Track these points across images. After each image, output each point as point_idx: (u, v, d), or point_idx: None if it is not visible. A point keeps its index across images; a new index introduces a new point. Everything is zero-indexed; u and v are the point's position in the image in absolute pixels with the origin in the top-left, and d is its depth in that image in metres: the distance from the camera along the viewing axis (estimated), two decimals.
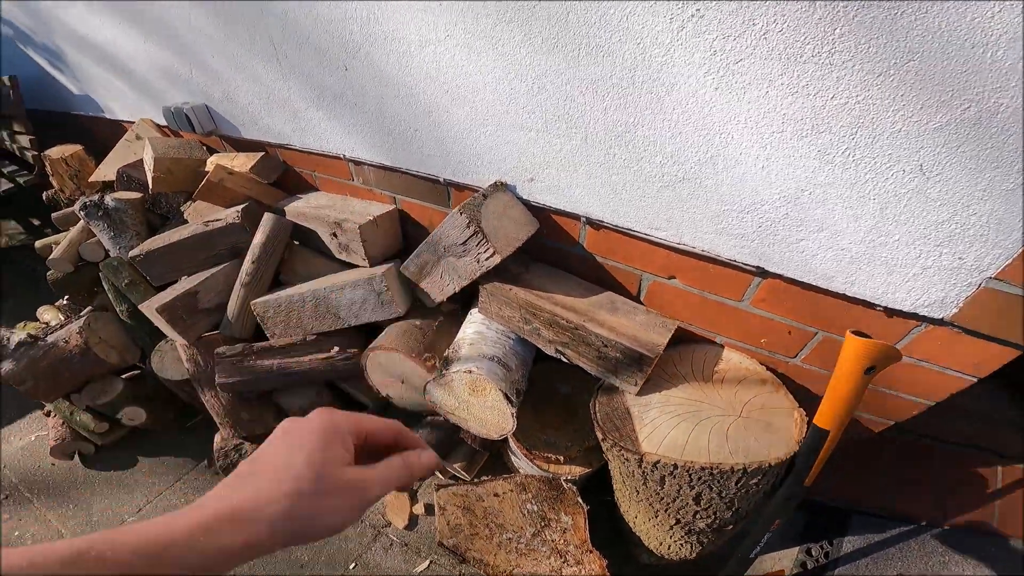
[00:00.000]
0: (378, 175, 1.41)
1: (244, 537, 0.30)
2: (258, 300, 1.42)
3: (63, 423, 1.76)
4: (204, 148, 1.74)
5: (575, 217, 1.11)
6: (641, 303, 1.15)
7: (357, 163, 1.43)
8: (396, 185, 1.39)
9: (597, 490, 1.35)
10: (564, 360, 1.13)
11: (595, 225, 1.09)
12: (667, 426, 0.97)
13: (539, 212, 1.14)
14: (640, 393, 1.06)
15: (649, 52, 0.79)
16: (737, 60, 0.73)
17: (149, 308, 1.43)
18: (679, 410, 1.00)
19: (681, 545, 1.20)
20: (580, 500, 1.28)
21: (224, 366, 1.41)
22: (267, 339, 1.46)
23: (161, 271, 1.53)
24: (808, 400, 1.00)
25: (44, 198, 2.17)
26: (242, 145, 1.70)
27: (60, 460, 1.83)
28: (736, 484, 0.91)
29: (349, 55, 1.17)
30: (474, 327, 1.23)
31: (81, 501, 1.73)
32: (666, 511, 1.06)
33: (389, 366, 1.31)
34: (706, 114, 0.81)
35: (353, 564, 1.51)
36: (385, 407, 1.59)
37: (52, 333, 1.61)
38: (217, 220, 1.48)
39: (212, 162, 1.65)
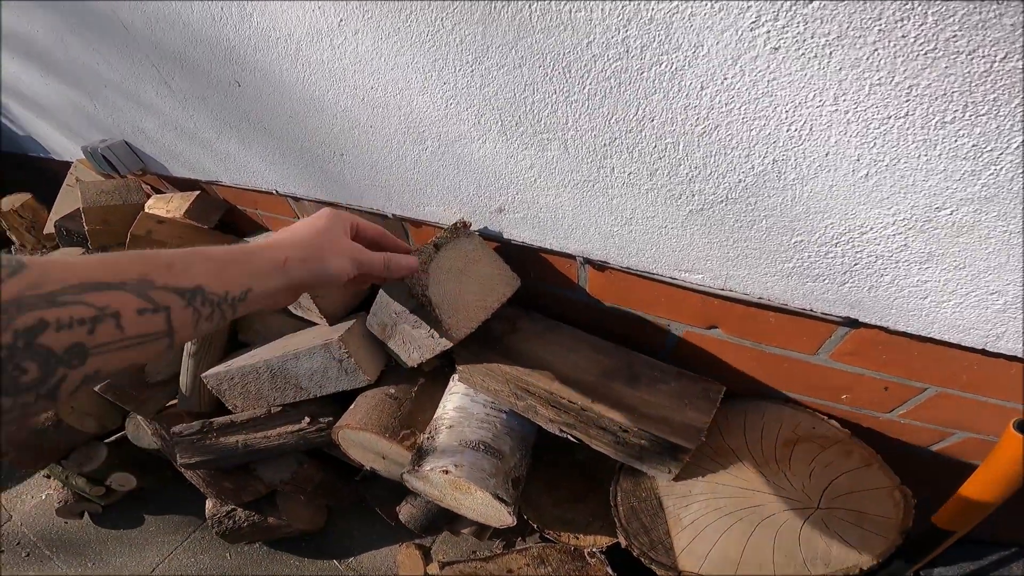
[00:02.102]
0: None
1: (276, 256, 0.42)
2: (209, 373, 1.15)
3: (63, 486, 1.62)
4: (143, 188, 1.43)
5: (569, 257, 0.76)
6: (670, 363, 0.80)
7: (295, 198, 1.10)
8: None
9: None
10: (573, 441, 0.81)
11: (598, 267, 0.74)
12: (714, 530, 0.66)
13: (517, 251, 0.80)
14: (678, 478, 0.74)
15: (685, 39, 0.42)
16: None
17: (99, 389, 1.18)
18: (731, 505, 0.68)
19: None
20: (610, 570, 1.00)
21: (184, 446, 1.17)
22: (228, 415, 1.20)
23: None
24: (900, 454, 0.67)
25: (12, 251, 1.93)
26: (178, 184, 1.39)
27: (70, 519, 1.74)
28: None
29: (236, 67, 0.82)
30: (455, 401, 0.92)
31: (97, 560, 1.66)
32: None
33: (364, 444, 1.03)
34: (761, 93, 0.44)
35: None
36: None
37: None
38: None
39: (149, 206, 1.34)
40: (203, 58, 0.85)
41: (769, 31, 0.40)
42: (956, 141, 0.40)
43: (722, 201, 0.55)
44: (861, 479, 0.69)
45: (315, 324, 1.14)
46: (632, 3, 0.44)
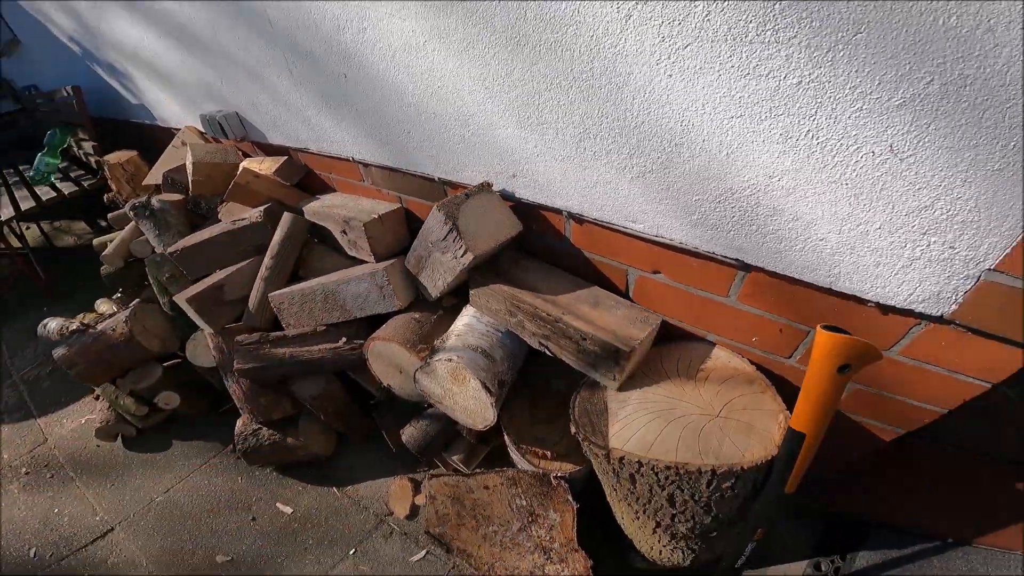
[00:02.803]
0: (383, 176, 1.49)
1: None
2: (275, 293, 1.55)
3: (109, 406, 1.98)
4: (239, 153, 1.92)
5: (558, 212, 1.12)
6: (629, 299, 1.14)
7: (364, 165, 1.52)
8: (400, 185, 1.47)
9: (594, 495, 1.35)
10: (548, 353, 1.14)
11: (577, 219, 1.11)
12: (639, 423, 0.96)
13: (526, 208, 1.17)
14: (621, 389, 1.06)
15: (602, 43, 0.80)
16: (685, 45, 0.72)
17: (181, 299, 1.60)
18: (655, 407, 0.99)
19: (672, 551, 1.18)
20: (570, 498, 1.27)
21: (242, 353, 1.55)
22: (283, 330, 1.59)
23: (196, 266, 1.71)
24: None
25: (105, 200, 2.47)
26: (269, 150, 1.86)
27: (104, 442, 2.04)
28: (708, 487, 0.89)
29: (346, 63, 1.26)
30: (465, 320, 1.27)
31: (118, 481, 1.94)
32: (644, 512, 1.05)
33: (388, 356, 1.39)
34: (664, 102, 0.81)
35: (353, 550, 1.60)
36: (391, 397, 1.67)
37: (102, 322, 1.84)
38: (242, 220, 1.63)
39: (242, 166, 1.81)
40: (323, 53, 1.30)
41: (666, 64, 0.77)
42: (771, 131, 0.75)
43: (650, 171, 0.91)
44: (756, 402, 0.98)
45: (365, 262, 1.52)
46: (603, 49, 0.82)
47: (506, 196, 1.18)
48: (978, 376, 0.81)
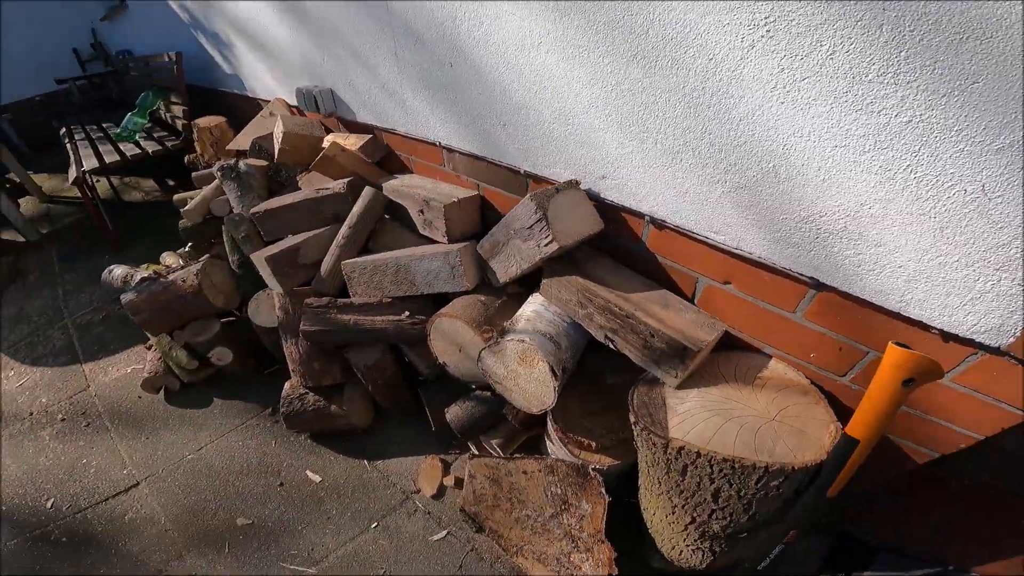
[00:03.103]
0: (466, 163, 1.61)
1: None
2: (348, 261, 1.67)
3: (160, 357, 2.08)
4: (323, 128, 2.07)
5: (640, 215, 1.22)
6: (694, 305, 1.23)
7: (449, 150, 1.64)
8: (481, 173, 1.59)
9: (625, 490, 1.42)
10: (612, 347, 1.23)
11: (658, 225, 1.20)
12: (698, 419, 1.04)
13: (607, 209, 1.27)
14: (680, 387, 1.14)
15: (720, 67, 0.91)
16: (803, 78, 0.82)
17: (259, 257, 1.73)
18: (713, 406, 1.07)
19: (693, 551, 1.24)
20: (603, 491, 1.35)
21: (309, 315, 1.67)
22: (349, 298, 1.70)
23: (274, 228, 1.84)
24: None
25: (185, 161, 2.65)
26: (354, 127, 2.00)
27: (147, 393, 2.08)
28: (756, 483, 0.96)
29: (454, 54, 1.39)
30: (533, 307, 1.37)
31: (153, 435, 1.96)
32: (683, 506, 1.13)
33: (450, 333, 1.49)
34: (770, 126, 0.90)
35: (375, 524, 1.65)
36: (439, 376, 1.77)
37: (173, 273, 1.98)
38: (326, 189, 1.76)
39: (328, 140, 1.96)
40: (433, 42, 1.43)
41: (780, 93, 0.87)
42: (871, 163, 0.84)
43: (742, 187, 1.00)
44: (809, 411, 1.06)
45: (437, 242, 1.64)
46: (719, 72, 0.92)
47: (591, 195, 1.28)
48: (1019, 406, 0.88)
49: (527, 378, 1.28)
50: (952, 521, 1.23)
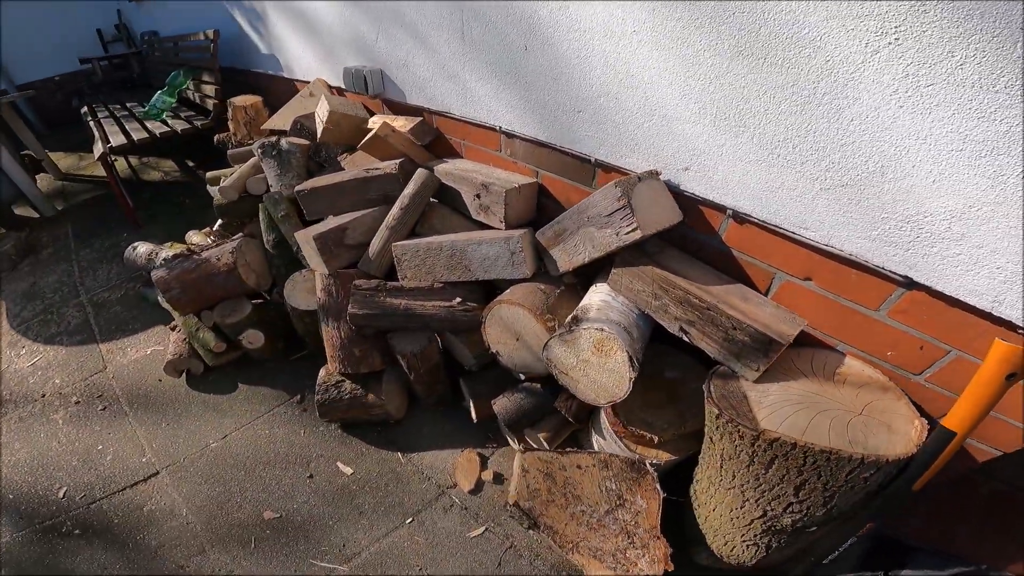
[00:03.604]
0: (526, 149, 1.62)
1: None
2: (399, 243, 1.66)
3: (184, 339, 2.03)
4: (365, 109, 2.05)
5: (721, 209, 1.25)
6: (770, 300, 1.26)
7: (509, 135, 1.65)
8: (542, 160, 1.60)
9: (671, 488, 1.43)
10: (685, 339, 1.25)
11: (740, 219, 1.23)
12: (786, 412, 1.07)
13: (685, 200, 1.30)
14: (758, 381, 1.17)
15: (837, 69, 0.93)
16: (928, 84, 0.85)
17: (305, 236, 1.70)
18: (799, 400, 1.09)
19: (748, 547, 1.27)
20: (658, 486, 1.37)
21: (358, 298, 1.65)
22: (398, 281, 1.69)
23: (318, 207, 1.82)
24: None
25: (215, 140, 2.61)
26: (400, 109, 1.99)
27: (169, 376, 2.01)
28: (846, 475, 0.99)
29: (531, 37, 1.39)
30: (600, 296, 1.38)
31: (174, 420, 1.89)
32: (757, 500, 1.15)
33: (510, 321, 1.49)
34: (885, 128, 0.93)
35: (410, 519, 1.63)
36: (484, 365, 1.77)
37: (207, 250, 1.94)
38: (376, 169, 1.75)
39: (374, 121, 1.94)
40: (506, 24, 1.43)
41: (901, 97, 0.90)
42: (986, 167, 0.88)
43: (843, 186, 1.03)
44: (892, 407, 1.09)
45: (491, 228, 1.64)
46: (835, 74, 0.95)
47: (670, 186, 1.31)
48: None
49: (599, 368, 1.29)
50: (986, 522, 1.29)
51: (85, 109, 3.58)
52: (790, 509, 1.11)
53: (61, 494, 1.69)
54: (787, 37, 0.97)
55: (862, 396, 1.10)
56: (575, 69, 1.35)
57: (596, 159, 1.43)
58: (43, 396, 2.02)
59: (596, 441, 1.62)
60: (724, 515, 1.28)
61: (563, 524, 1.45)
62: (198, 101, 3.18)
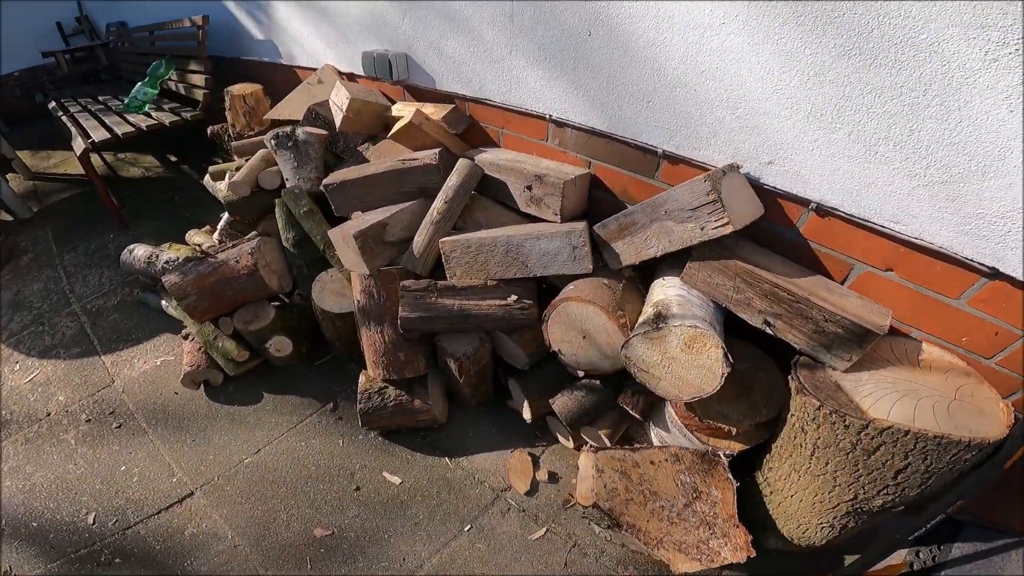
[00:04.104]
0: (580, 138, 1.57)
1: None
2: (447, 238, 1.58)
3: (200, 348, 1.87)
4: (384, 96, 1.92)
5: (803, 202, 1.26)
6: (850, 290, 1.30)
7: (559, 124, 1.59)
8: (598, 150, 1.56)
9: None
10: (768, 331, 1.28)
11: (823, 212, 1.25)
12: (888, 400, 1.11)
13: (764, 193, 1.30)
14: (847, 371, 1.21)
15: (952, 74, 0.95)
16: None
17: (343, 234, 1.59)
18: (895, 388, 1.14)
19: (822, 528, 1.33)
20: (730, 476, 1.42)
21: (408, 300, 1.57)
22: (446, 280, 1.62)
23: (347, 201, 1.70)
24: None
25: (208, 132, 2.39)
26: (426, 96, 1.88)
27: (186, 388, 1.87)
28: (950, 458, 1.05)
29: (597, 23, 1.34)
30: (675, 291, 1.38)
31: (199, 436, 1.77)
32: (850, 485, 1.20)
33: (578, 319, 1.46)
34: (992, 130, 0.96)
35: (468, 526, 1.59)
36: (536, 364, 1.73)
37: (223, 251, 1.77)
38: (413, 160, 1.65)
39: (398, 109, 1.82)
40: (568, 9, 1.37)
41: (1013, 102, 0.93)
42: None
43: (942, 183, 1.06)
44: (978, 391, 1.15)
45: (542, 220, 1.59)
46: (949, 79, 0.96)
47: (750, 179, 1.31)
48: None
49: (687, 365, 1.29)
50: None
51: (53, 104, 3.34)
52: (884, 492, 1.16)
53: (91, 520, 1.57)
54: (901, 41, 0.98)
55: (951, 381, 1.16)
56: (647, 58, 1.31)
57: (664, 150, 1.41)
58: (48, 415, 1.86)
59: (656, 434, 1.64)
60: (806, 500, 1.33)
61: (645, 521, 1.46)
62: (183, 92, 2.98)
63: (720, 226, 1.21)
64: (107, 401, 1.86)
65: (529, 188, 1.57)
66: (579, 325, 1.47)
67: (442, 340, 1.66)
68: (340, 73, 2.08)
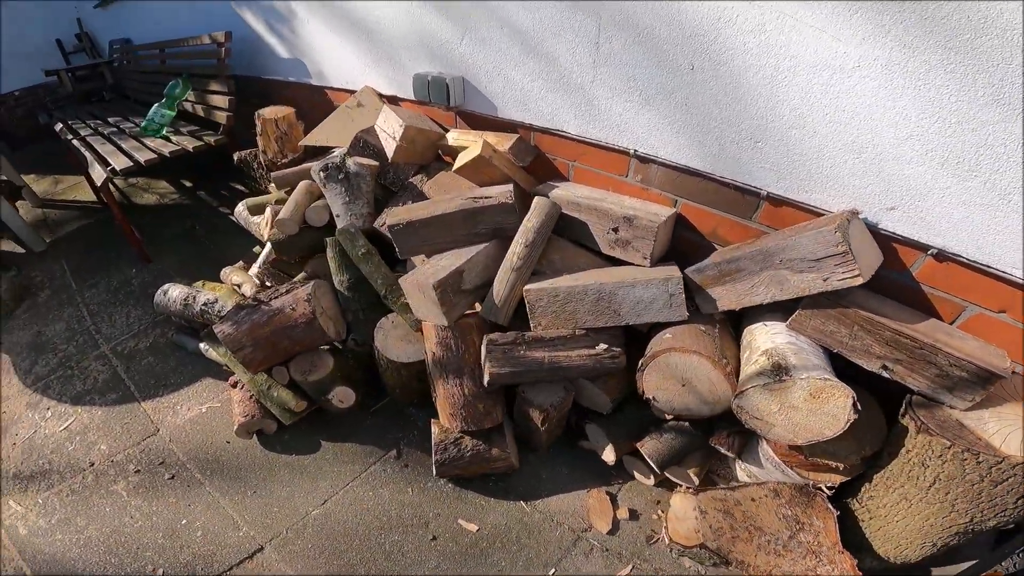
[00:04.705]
0: (667, 175, 1.51)
1: None
2: (532, 287, 1.49)
3: (252, 397, 1.74)
4: (434, 123, 1.78)
5: (921, 247, 1.25)
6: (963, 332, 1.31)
7: (644, 160, 1.52)
8: (687, 189, 1.50)
9: None
10: (885, 375, 1.28)
11: (941, 258, 1.24)
12: (1016, 436, 1.13)
13: (880, 238, 1.29)
14: (968, 409, 1.23)
15: None
16: None
17: (420, 284, 1.47)
18: (1017, 424, 1.16)
19: (922, 548, 1.37)
20: (830, 506, 1.44)
21: (496, 355, 1.48)
22: (531, 330, 1.53)
23: (413, 244, 1.57)
24: None
25: (235, 159, 2.17)
26: (485, 124, 1.75)
27: (239, 438, 1.77)
28: None
29: (701, 57, 1.27)
30: (783, 338, 1.36)
31: (260, 487, 1.69)
32: (967, 511, 1.23)
33: (679, 368, 1.42)
34: None
35: (552, 570, 1.56)
36: (616, 409, 1.69)
37: (276, 298, 1.61)
38: (487, 198, 1.53)
39: (455, 139, 1.69)
40: (667, 40, 1.29)
41: None
42: None
43: None
44: None
45: (626, 263, 1.52)
46: None
47: (867, 224, 1.29)
48: None
49: (809, 413, 1.28)
50: None
51: (60, 126, 3.11)
52: (1001, 514, 1.19)
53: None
54: None
55: None
56: (760, 97, 1.25)
57: (769, 193, 1.36)
58: (92, 465, 1.76)
59: (744, 469, 1.64)
60: (913, 524, 1.35)
61: (752, 556, 1.47)
62: (202, 114, 2.76)
63: (849, 278, 1.19)
64: (155, 450, 1.76)
65: (616, 230, 1.50)
66: (679, 374, 1.43)
67: (526, 391, 1.59)
68: (381, 96, 1.91)
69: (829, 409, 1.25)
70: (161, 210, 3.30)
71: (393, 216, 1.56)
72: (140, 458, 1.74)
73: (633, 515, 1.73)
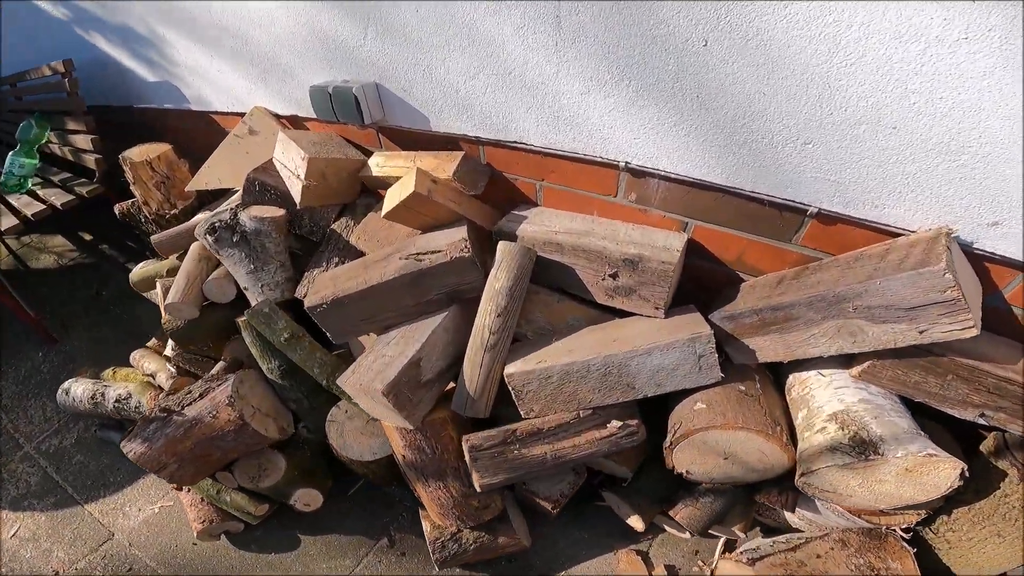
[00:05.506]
0: (673, 192, 1.11)
1: None
2: (514, 369, 1.13)
3: (203, 500, 1.48)
4: (350, 144, 1.30)
5: (1018, 267, 0.93)
6: None
7: (639, 174, 1.12)
8: (702, 208, 1.11)
9: None
10: (982, 421, 1.00)
11: None
12: None
13: (979, 259, 0.95)
14: None
15: None
16: None
17: (365, 389, 1.08)
18: None
19: (1008, 566, 1.21)
20: (906, 544, 1.24)
21: (483, 462, 1.14)
22: (523, 421, 1.19)
23: (348, 326, 1.18)
24: None
25: (117, 211, 1.67)
26: (415, 141, 1.29)
27: (206, 541, 1.57)
28: None
29: (718, 28, 0.85)
30: (852, 394, 1.06)
31: None
32: None
33: (720, 444, 1.11)
34: None
35: None
36: (637, 474, 1.40)
37: (190, 404, 1.24)
38: (435, 252, 1.12)
39: (378, 164, 1.24)
40: (665, 6, 0.86)
41: None
42: None
43: None
44: None
45: (632, 315, 1.17)
46: None
47: (960, 243, 0.94)
48: None
49: (900, 484, 1.02)
50: None
51: None
52: None
53: None
54: None
55: None
56: (812, 82, 0.85)
57: (823, 209, 0.99)
58: (57, 574, 1.61)
59: (798, 515, 1.40)
60: (1002, 554, 1.18)
61: None
62: (70, 157, 2.23)
63: (958, 330, 0.86)
64: (117, 557, 1.60)
65: (614, 276, 1.12)
66: (721, 449, 1.13)
67: (528, 483, 1.27)
68: (278, 117, 1.39)
69: (929, 480, 1.00)
70: (61, 273, 2.85)
71: (316, 292, 1.14)
72: (105, 565, 1.55)
73: (671, 571, 1.51)
